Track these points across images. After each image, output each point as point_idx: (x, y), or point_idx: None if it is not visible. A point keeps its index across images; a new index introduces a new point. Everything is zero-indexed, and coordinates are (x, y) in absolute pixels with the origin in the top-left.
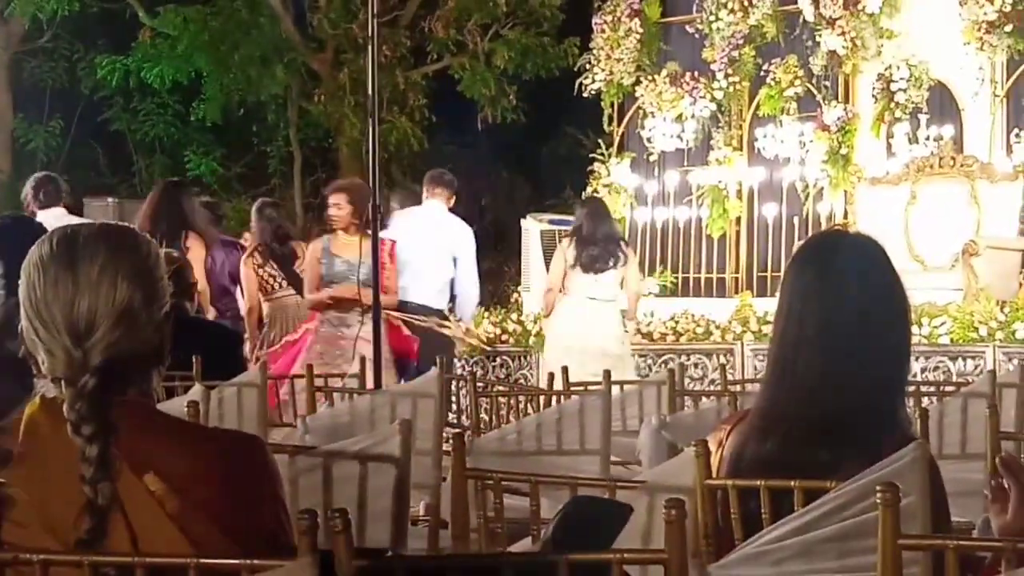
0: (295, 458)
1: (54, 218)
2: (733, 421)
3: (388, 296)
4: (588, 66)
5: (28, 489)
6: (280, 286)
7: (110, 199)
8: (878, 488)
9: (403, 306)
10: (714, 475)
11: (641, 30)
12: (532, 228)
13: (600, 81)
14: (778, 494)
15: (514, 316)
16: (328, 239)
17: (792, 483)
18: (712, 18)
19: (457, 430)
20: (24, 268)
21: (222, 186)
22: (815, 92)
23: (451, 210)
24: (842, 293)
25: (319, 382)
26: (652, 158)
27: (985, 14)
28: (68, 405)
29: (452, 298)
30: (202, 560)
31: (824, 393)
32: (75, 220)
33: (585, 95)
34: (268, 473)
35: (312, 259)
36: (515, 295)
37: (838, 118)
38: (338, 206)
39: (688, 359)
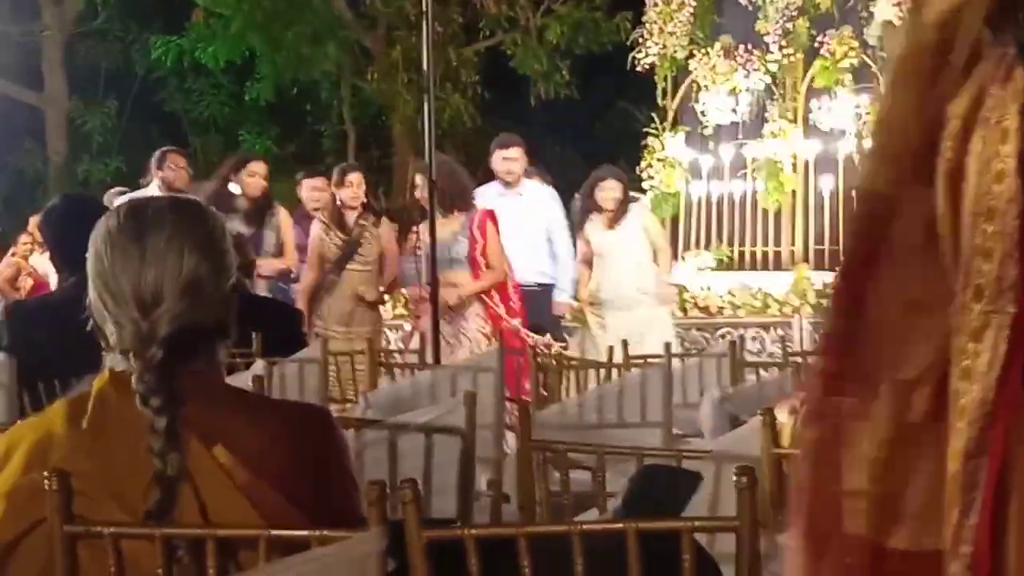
0: (360, 431)
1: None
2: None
3: (492, 273)
4: (641, 40)
5: (98, 462)
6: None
7: (117, 188)
8: None
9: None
10: (789, 444)
11: (694, 3)
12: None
13: (653, 55)
14: None
15: None
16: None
17: None
18: None
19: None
20: (92, 240)
21: (276, 165)
22: (870, 63)
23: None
24: None
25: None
26: (706, 132)
27: None
28: (136, 377)
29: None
30: (272, 532)
31: None
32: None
33: (638, 69)
34: (336, 444)
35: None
36: None
37: None
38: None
39: (746, 332)
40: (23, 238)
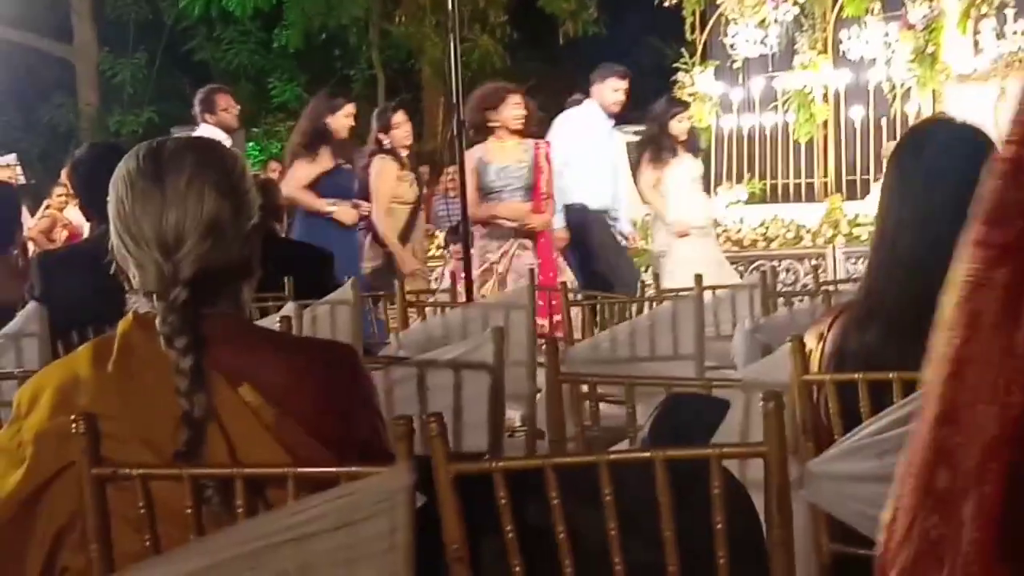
0: (389, 369)
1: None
2: (834, 313)
3: (541, 217)
4: None
5: (125, 404)
6: None
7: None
8: None
9: (569, 209)
10: (816, 370)
11: None
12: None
13: None
14: (878, 387)
15: None
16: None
17: (891, 375)
18: None
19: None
20: (112, 183)
21: None
22: None
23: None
24: (938, 180)
25: (411, 298)
26: (736, 65)
27: None
28: (160, 318)
29: None
30: (300, 470)
31: (924, 278)
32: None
33: (666, 4)
34: (362, 381)
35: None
36: None
37: (923, 16)
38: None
39: (779, 264)
40: (57, 190)
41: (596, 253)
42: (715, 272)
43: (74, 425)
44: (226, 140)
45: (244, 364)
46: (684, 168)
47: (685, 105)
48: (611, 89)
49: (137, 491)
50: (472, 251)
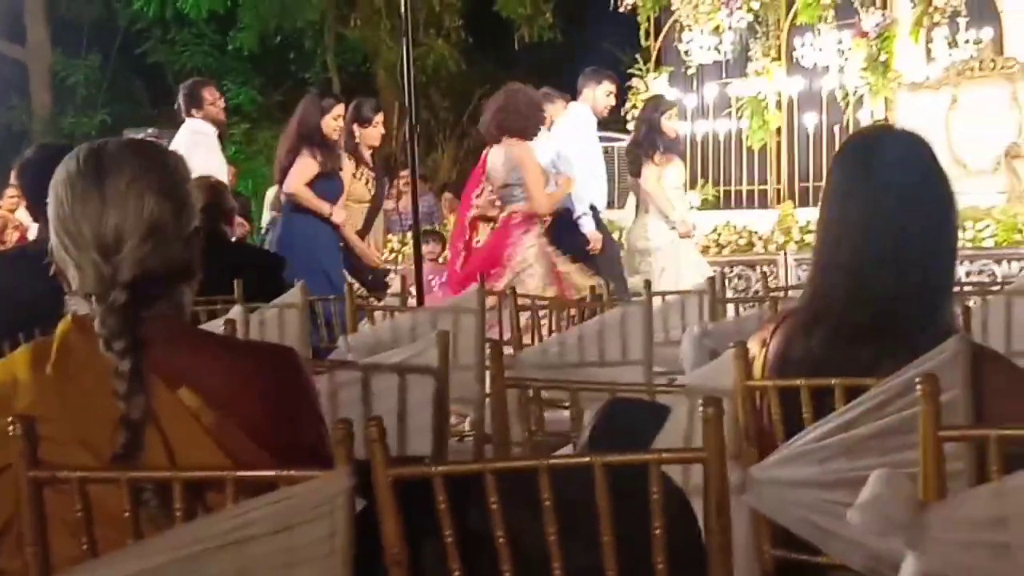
0: (334, 372)
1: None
2: (777, 321)
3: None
4: None
5: (63, 407)
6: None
7: (150, 130)
8: (918, 380)
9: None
10: (759, 377)
11: None
12: None
13: None
14: (820, 393)
15: None
16: None
17: (833, 381)
18: None
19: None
20: (52, 185)
21: (261, 114)
22: None
23: None
24: (884, 187)
25: (360, 302)
26: (690, 71)
27: None
28: (99, 320)
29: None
30: (238, 473)
31: (866, 288)
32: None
33: (621, 10)
34: (302, 384)
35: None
36: None
37: (876, 24)
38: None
39: (731, 270)
40: (8, 192)
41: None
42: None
43: (11, 427)
44: (213, 134)
45: (184, 367)
46: (678, 169)
47: (672, 104)
48: (605, 93)
49: (75, 494)
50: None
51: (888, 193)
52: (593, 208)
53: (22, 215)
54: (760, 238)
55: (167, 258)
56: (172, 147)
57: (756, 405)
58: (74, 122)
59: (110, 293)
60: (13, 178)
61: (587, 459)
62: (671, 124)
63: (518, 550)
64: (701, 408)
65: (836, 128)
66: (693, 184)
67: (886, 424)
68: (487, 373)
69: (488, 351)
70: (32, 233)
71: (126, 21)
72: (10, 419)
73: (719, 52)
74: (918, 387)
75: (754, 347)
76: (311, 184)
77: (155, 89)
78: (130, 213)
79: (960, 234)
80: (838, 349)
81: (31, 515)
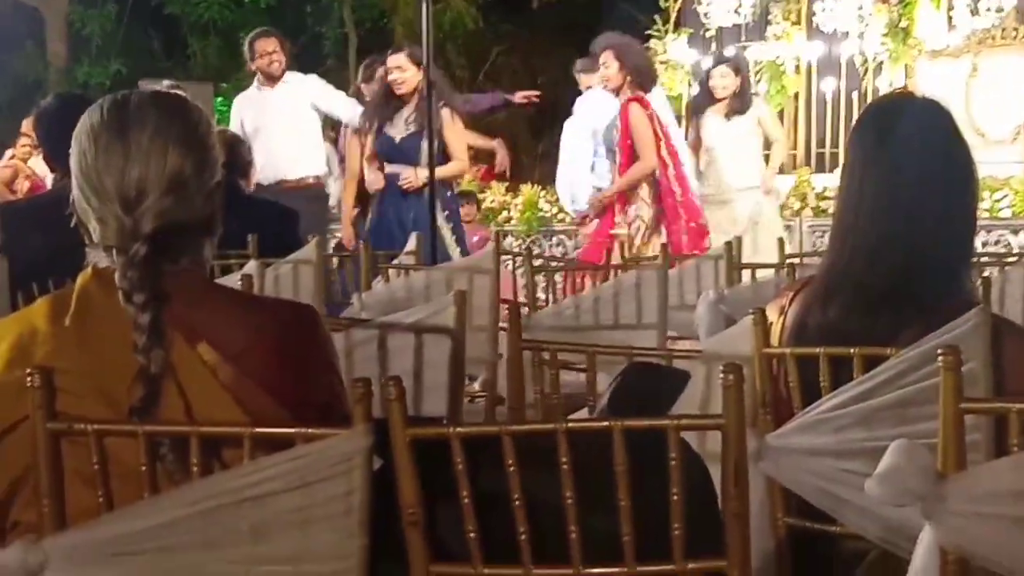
0: (351, 331)
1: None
2: (795, 288)
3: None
4: None
5: (82, 359)
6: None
7: (166, 82)
8: (939, 351)
9: None
10: (776, 344)
11: None
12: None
13: None
14: (838, 362)
15: None
16: None
17: (851, 350)
18: None
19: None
20: (75, 136)
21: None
22: None
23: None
24: (903, 156)
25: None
26: (709, 34)
27: None
28: (119, 273)
29: None
30: (256, 429)
31: (885, 257)
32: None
33: None
34: (321, 341)
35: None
36: None
37: None
38: (606, 65)
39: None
40: (22, 140)
41: None
42: None
43: (29, 379)
44: (254, 91)
45: (203, 322)
46: (715, 130)
47: (724, 60)
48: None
49: (91, 447)
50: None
51: (908, 162)
52: None
53: (35, 164)
54: None
55: (189, 212)
56: None
57: (773, 372)
58: (88, 72)
59: (131, 246)
60: (27, 127)
61: (606, 423)
62: (713, 83)
63: (534, 512)
64: (721, 375)
65: (855, 95)
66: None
67: (905, 394)
68: (501, 334)
69: (506, 312)
70: (47, 184)
71: None
72: (28, 370)
73: (738, 15)
74: (940, 359)
75: (772, 314)
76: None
77: (171, 41)
78: (152, 166)
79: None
80: (856, 318)
81: (47, 467)
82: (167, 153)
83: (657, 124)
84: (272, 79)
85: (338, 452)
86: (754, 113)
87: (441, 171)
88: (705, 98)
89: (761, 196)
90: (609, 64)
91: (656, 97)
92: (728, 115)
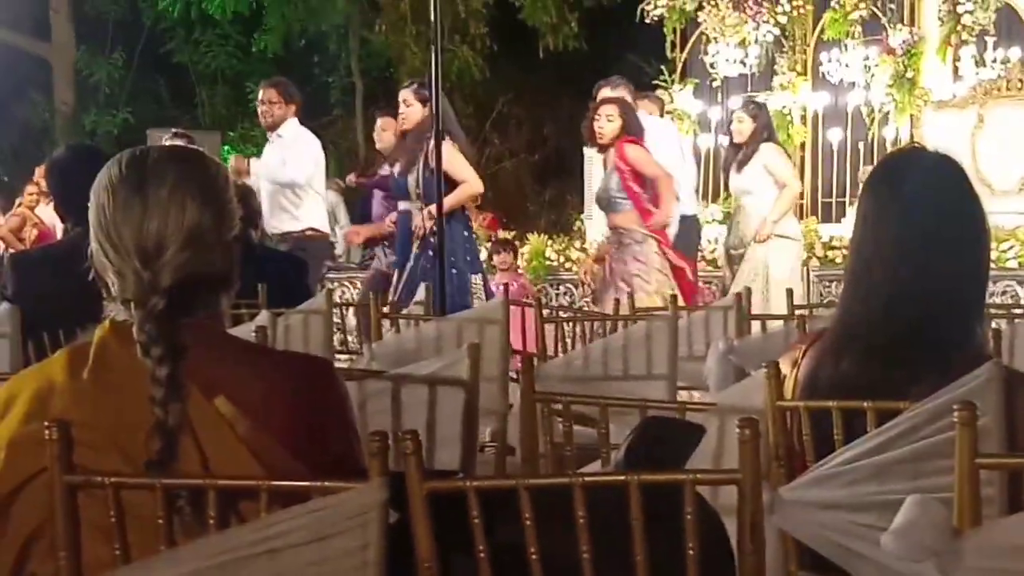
0: (364, 382)
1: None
2: (808, 341)
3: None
4: None
5: (99, 412)
6: None
7: (173, 130)
8: (955, 407)
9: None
10: (789, 397)
11: None
12: (594, 156)
13: (662, 7)
14: (852, 415)
15: (577, 244)
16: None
17: (865, 404)
18: None
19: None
20: (94, 190)
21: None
22: (880, 15)
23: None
24: (916, 210)
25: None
26: (715, 84)
27: None
28: (137, 326)
29: None
30: (273, 483)
31: (898, 311)
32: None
33: (647, 21)
34: (338, 395)
35: None
36: (577, 223)
37: (904, 41)
38: (609, 117)
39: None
40: (29, 188)
41: None
42: None
43: (47, 432)
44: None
45: (220, 375)
46: (733, 182)
47: (741, 104)
48: None
49: (109, 500)
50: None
51: (920, 215)
52: None
53: (42, 212)
54: None
55: (207, 265)
56: None
57: (786, 425)
58: (96, 120)
59: (149, 299)
60: (37, 176)
61: (622, 477)
62: (732, 126)
63: (550, 565)
64: (738, 429)
65: (861, 144)
66: (716, 197)
67: (918, 448)
68: (512, 385)
69: (520, 363)
70: (55, 231)
71: (151, 20)
72: (46, 423)
73: (745, 65)
74: (955, 414)
75: (785, 367)
76: None
77: (178, 89)
78: (171, 220)
79: None
80: (869, 370)
81: (64, 520)
82: (185, 207)
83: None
84: (268, 128)
85: (354, 506)
86: (759, 161)
87: (451, 200)
88: (731, 147)
89: (776, 245)
90: (612, 117)
91: (665, 127)
92: (739, 167)
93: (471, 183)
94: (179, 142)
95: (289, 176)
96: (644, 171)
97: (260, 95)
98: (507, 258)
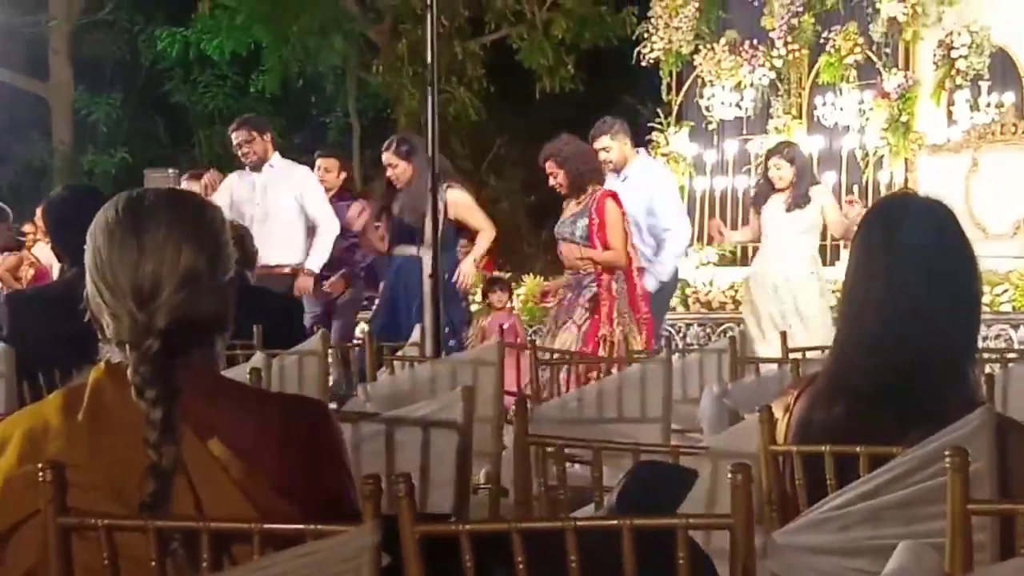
0: (358, 424)
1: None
2: (800, 386)
3: (611, 253)
4: (646, 35)
5: (93, 454)
6: None
7: (171, 170)
8: (947, 452)
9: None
10: (781, 441)
11: None
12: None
13: (658, 50)
14: (844, 460)
15: None
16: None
17: (857, 448)
18: None
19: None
20: (90, 233)
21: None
22: (875, 59)
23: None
24: (908, 255)
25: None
26: (711, 127)
27: None
28: (132, 368)
29: None
30: (266, 525)
31: (890, 355)
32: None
33: (643, 64)
34: (332, 437)
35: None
36: None
37: (898, 85)
38: (553, 175)
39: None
40: (27, 228)
41: None
42: None
43: (40, 474)
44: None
45: (214, 418)
46: (773, 218)
47: (778, 151)
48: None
49: (102, 542)
50: None
51: (912, 262)
52: None
53: (39, 252)
54: None
55: (202, 307)
56: None
57: (779, 470)
58: (94, 160)
59: (144, 341)
60: (37, 216)
61: (615, 521)
62: (771, 173)
63: None
64: (730, 474)
65: (856, 188)
66: (711, 240)
67: (910, 494)
68: (506, 427)
69: (513, 406)
70: (51, 270)
71: (149, 61)
72: (39, 465)
73: (740, 108)
74: (947, 460)
75: (778, 411)
76: None
77: (176, 129)
78: (166, 262)
79: None
80: (862, 415)
81: (58, 562)
82: (181, 249)
83: (625, 222)
84: (255, 167)
85: (347, 549)
86: (817, 203)
87: (478, 250)
88: (767, 186)
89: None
90: (555, 172)
91: (659, 169)
92: (789, 208)
93: (487, 231)
94: (195, 186)
95: (337, 226)
96: (608, 236)
97: (234, 141)
98: (502, 297)
